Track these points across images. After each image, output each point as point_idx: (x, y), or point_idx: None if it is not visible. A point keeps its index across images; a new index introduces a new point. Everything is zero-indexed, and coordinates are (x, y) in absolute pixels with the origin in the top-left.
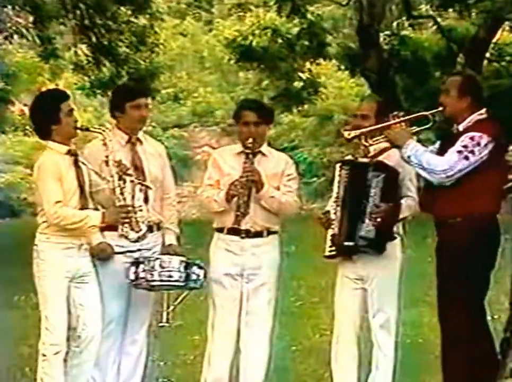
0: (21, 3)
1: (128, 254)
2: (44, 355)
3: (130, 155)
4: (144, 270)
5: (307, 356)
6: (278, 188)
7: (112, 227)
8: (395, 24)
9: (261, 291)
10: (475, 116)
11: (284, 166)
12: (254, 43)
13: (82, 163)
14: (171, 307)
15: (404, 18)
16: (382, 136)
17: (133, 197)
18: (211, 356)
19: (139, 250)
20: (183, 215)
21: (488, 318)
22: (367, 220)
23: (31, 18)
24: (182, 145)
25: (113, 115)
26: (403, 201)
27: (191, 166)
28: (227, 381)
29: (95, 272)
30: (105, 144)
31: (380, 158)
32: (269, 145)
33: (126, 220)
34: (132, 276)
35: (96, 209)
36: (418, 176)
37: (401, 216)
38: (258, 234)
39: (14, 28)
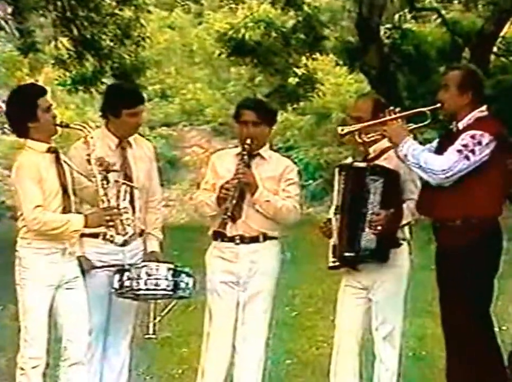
0: None
1: (112, 261)
2: (22, 369)
3: (120, 161)
4: (129, 278)
5: (303, 369)
6: (276, 192)
7: (93, 235)
8: (396, 16)
9: (256, 300)
10: (475, 114)
11: (283, 170)
12: (246, 37)
13: (64, 161)
14: (158, 318)
15: (406, 10)
16: (377, 133)
17: (118, 197)
18: (205, 368)
19: (121, 260)
20: (170, 220)
21: (496, 329)
22: (366, 229)
23: (10, 9)
24: (170, 145)
25: (104, 116)
26: (405, 205)
27: (179, 167)
28: None
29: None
30: (86, 142)
31: (380, 159)
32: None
33: (111, 223)
34: (116, 285)
35: (79, 212)
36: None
37: (404, 221)
38: (253, 240)
39: None
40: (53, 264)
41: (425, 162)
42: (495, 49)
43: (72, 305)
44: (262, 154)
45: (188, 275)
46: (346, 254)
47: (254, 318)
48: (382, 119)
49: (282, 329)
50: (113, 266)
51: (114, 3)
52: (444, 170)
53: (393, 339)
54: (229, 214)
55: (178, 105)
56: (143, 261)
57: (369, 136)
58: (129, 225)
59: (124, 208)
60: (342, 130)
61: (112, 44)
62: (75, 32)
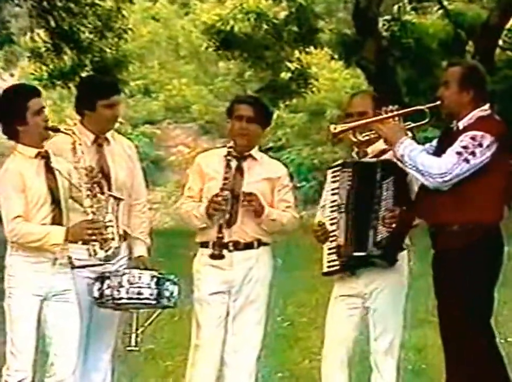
0: None
1: (91, 268)
2: None
3: (96, 158)
4: (110, 287)
5: None
6: (269, 195)
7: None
8: (395, 7)
9: (249, 310)
10: (477, 113)
11: (279, 176)
12: (235, 29)
13: (57, 169)
14: (141, 329)
15: (406, 1)
16: (372, 131)
17: (103, 209)
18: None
19: (103, 264)
20: (154, 224)
21: (502, 340)
22: (380, 227)
23: None
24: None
25: (79, 112)
26: None
27: (164, 168)
28: None
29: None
30: (74, 148)
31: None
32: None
33: (94, 237)
34: (96, 294)
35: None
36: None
37: (416, 221)
38: (248, 246)
39: None
40: (40, 273)
41: (422, 164)
42: (500, 42)
43: (62, 318)
44: (253, 155)
45: (173, 283)
46: (356, 253)
47: (247, 329)
48: (378, 117)
49: (273, 340)
50: (93, 265)
51: None
52: (442, 173)
53: (393, 350)
54: (224, 231)
55: (162, 102)
56: (129, 268)
57: (364, 135)
58: (113, 239)
59: (109, 221)
60: (335, 128)
61: (91, 36)
62: (52, 23)
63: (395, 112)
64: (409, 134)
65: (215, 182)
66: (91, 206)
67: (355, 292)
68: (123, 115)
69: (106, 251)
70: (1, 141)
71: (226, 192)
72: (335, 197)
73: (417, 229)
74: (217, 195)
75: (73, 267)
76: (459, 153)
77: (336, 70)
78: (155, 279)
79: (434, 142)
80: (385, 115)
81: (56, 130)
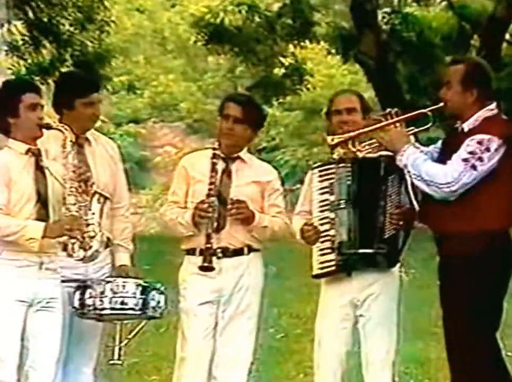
0: None
1: (73, 276)
2: None
3: (77, 159)
4: (92, 296)
5: None
6: (258, 200)
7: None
8: None
9: (240, 320)
10: (482, 113)
11: (269, 177)
12: (226, 22)
13: (47, 169)
14: (125, 342)
15: None
16: (373, 140)
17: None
18: None
19: (83, 275)
20: (139, 229)
21: (509, 353)
22: (387, 224)
23: None
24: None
25: (57, 111)
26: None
27: (149, 170)
28: None
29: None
30: (64, 145)
31: None
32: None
33: (73, 234)
34: (77, 304)
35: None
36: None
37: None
38: (238, 252)
39: None
40: (25, 278)
41: (427, 173)
42: (507, 36)
43: (44, 329)
44: (242, 156)
45: (159, 292)
46: (362, 250)
47: (238, 340)
48: (379, 125)
49: (266, 353)
50: (74, 280)
51: None
52: (448, 183)
53: (389, 362)
54: (212, 241)
55: (147, 99)
56: (111, 276)
57: (364, 144)
58: (93, 237)
59: (92, 218)
60: (332, 139)
61: (72, 29)
62: (31, 14)
63: (396, 118)
64: (413, 139)
65: (201, 185)
66: (75, 204)
67: (348, 299)
68: (106, 114)
69: (86, 250)
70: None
71: (213, 198)
72: (326, 196)
73: (420, 236)
74: (203, 202)
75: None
76: (465, 160)
77: (333, 65)
78: (140, 288)
79: (439, 144)
80: (386, 122)
81: (48, 127)
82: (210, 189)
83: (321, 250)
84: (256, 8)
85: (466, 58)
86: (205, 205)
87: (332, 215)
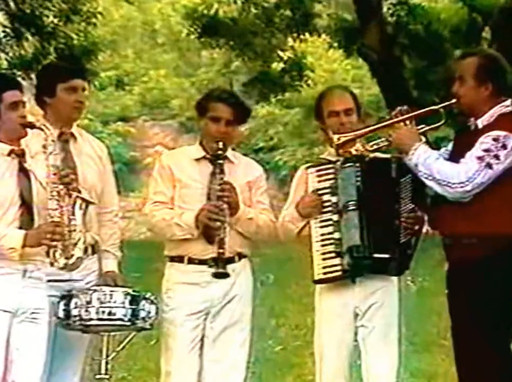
0: None
1: (55, 284)
2: None
3: (61, 155)
4: (77, 306)
5: None
6: (250, 201)
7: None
8: None
9: (233, 332)
10: (497, 109)
11: (256, 177)
12: (220, 14)
13: (31, 171)
14: (113, 355)
15: None
16: (382, 139)
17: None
18: None
19: (68, 280)
20: (128, 235)
21: None
22: (402, 228)
23: None
24: (128, 144)
25: (40, 103)
26: None
27: (139, 171)
28: None
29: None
30: (45, 145)
31: None
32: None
33: (54, 243)
34: (61, 314)
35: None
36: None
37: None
38: (229, 261)
39: None
40: (9, 286)
41: (439, 172)
42: None
43: (28, 342)
44: (229, 157)
45: (149, 301)
46: (377, 255)
47: (231, 353)
48: (388, 122)
49: (263, 367)
50: (60, 280)
51: None
52: (462, 183)
53: (392, 378)
54: (225, 247)
55: (137, 96)
56: (98, 284)
57: (372, 144)
58: (76, 245)
59: (74, 225)
60: (338, 139)
61: (56, 20)
62: (12, 5)
63: (406, 115)
64: (423, 139)
65: (191, 190)
66: (56, 209)
67: (350, 308)
68: (93, 111)
69: (68, 258)
70: None
71: (220, 202)
72: (327, 198)
73: (427, 242)
74: (213, 205)
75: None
76: (480, 158)
77: (335, 60)
78: (129, 298)
79: (450, 146)
80: (395, 119)
81: (32, 126)
82: (221, 190)
83: (323, 253)
84: None
85: (479, 50)
86: (216, 209)
87: (335, 218)
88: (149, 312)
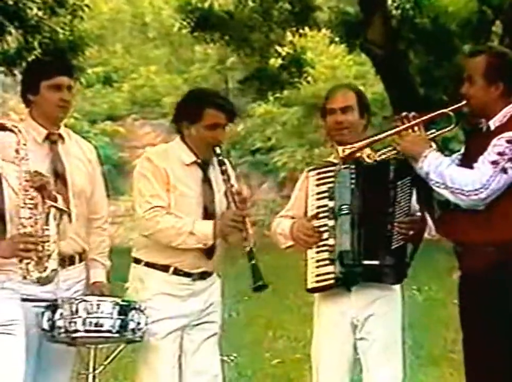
0: None
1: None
2: None
3: (49, 157)
4: (63, 317)
5: None
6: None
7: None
8: None
9: (211, 343)
10: (509, 109)
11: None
12: (215, 7)
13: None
14: (100, 368)
15: None
16: (390, 148)
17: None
18: None
19: (52, 293)
20: (117, 241)
21: None
22: (395, 233)
23: None
24: (117, 145)
25: (25, 101)
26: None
27: (128, 173)
28: None
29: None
30: (17, 150)
31: None
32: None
33: (27, 254)
34: (46, 325)
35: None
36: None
37: (426, 234)
38: (211, 273)
39: None
40: None
41: (452, 180)
42: None
43: (3, 354)
44: (213, 162)
45: (139, 312)
46: (366, 262)
47: (212, 364)
48: (395, 129)
49: (260, 381)
50: (42, 300)
51: None
52: (477, 190)
53: None
54: (255, 256)
55: (126, 93)
56: (86, 294)
57: (379, 153)
58: (50, 256)
59: (47, 236)
60: (344, 151)
61: (40, 13)
62: None
63: (413, 121)
64: (433, 145)
65: (187, 199)
66: (30, 218)
67: (348, 319)
68: (79, 110)
69: (41, 272)
70: None
71: (242, 209)
72: (324, 202)
73: (433, 249)
74: (233, 212)
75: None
76: (494, 162)
77: (337, 55)
78: (118, 308)
79: (463, 150)
80: (402, 127)
81: (3, 128)
82: (241, 201)
83: (318, 261)
84: None
85: (487, 47)
86: (239, 217)
87: (331, 223)
88: (138, 323)
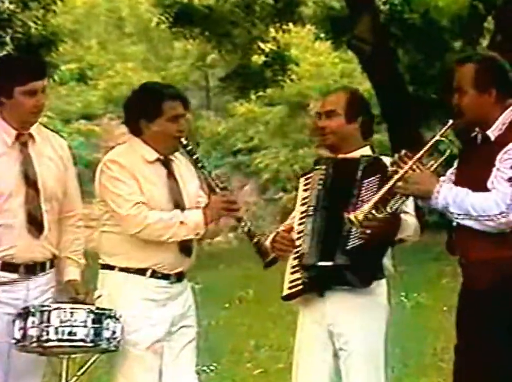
0: None
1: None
2: None
3: (19, 160)
4: (35, 326)
5: None
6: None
7: None
8: None
9: (189, 349)
10: (507, 115)
11: (194, 172)
12: (195, 1)
13: None
14: (73, 379)
15: None
16: (398, 197)
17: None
18: None
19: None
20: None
21: None
22: (353, 233)
23: None
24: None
25: None
26: (402, 215)
27: None
28: None
29: None
30: None
31: None
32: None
33: None
34: (17, 334)
35: None
36: None
37: (400, 235)
38: (185, 275)
39: None
40: None
41: (474, 208)
42: None
43: None
44: (175, 155)
45: (115, 320)
46: (321, 263)
47: (190, 371)
48: (397, 176)
49: None
50: (13, 306)
51: None
52: (503, 212)
53: None
54: (256, 234)
55: (102, 91)
56: (58, 301)
57: (390, 205)
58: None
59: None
60: (356, 217)
61: (12, 7)
62: None
63: (411, 160)
64: (441, 180)
65: (155, 197)
66: None
67: (323, 327)
68: (52, 108)
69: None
70: None
71: (228, 193)
72: (305, 207)
73: (422, 254)
74: (225, 201)
75: None
76: (511, 179)
77: (322, 52)
78: (92, 316)
79: (458, 164)
80: (401, 172)
81: None
82: (217, 185)
83: (293, 267)
84: None
85: (474, 54)
86: (228, 199)
87: (303, 227)
88: (114, 332)
